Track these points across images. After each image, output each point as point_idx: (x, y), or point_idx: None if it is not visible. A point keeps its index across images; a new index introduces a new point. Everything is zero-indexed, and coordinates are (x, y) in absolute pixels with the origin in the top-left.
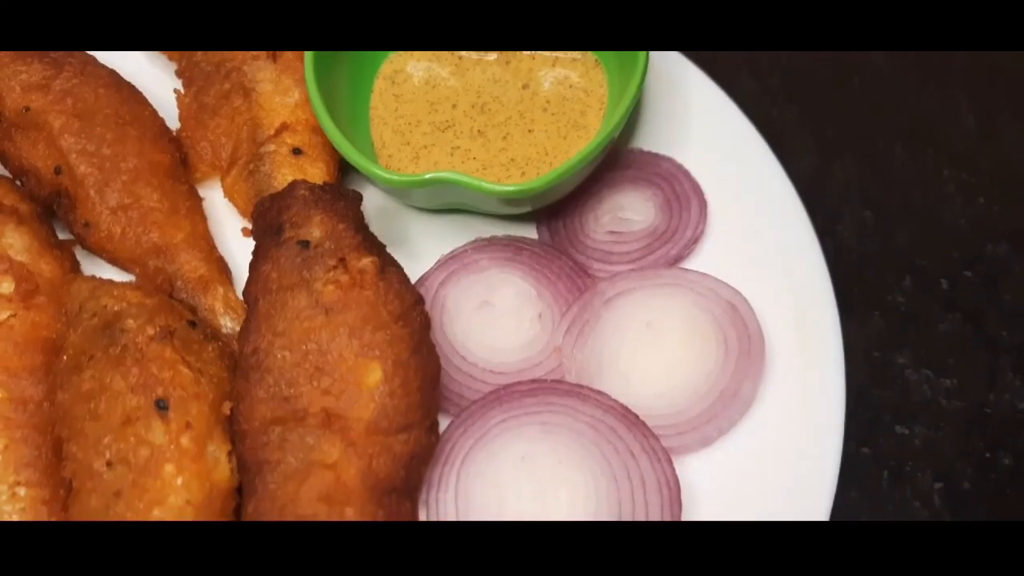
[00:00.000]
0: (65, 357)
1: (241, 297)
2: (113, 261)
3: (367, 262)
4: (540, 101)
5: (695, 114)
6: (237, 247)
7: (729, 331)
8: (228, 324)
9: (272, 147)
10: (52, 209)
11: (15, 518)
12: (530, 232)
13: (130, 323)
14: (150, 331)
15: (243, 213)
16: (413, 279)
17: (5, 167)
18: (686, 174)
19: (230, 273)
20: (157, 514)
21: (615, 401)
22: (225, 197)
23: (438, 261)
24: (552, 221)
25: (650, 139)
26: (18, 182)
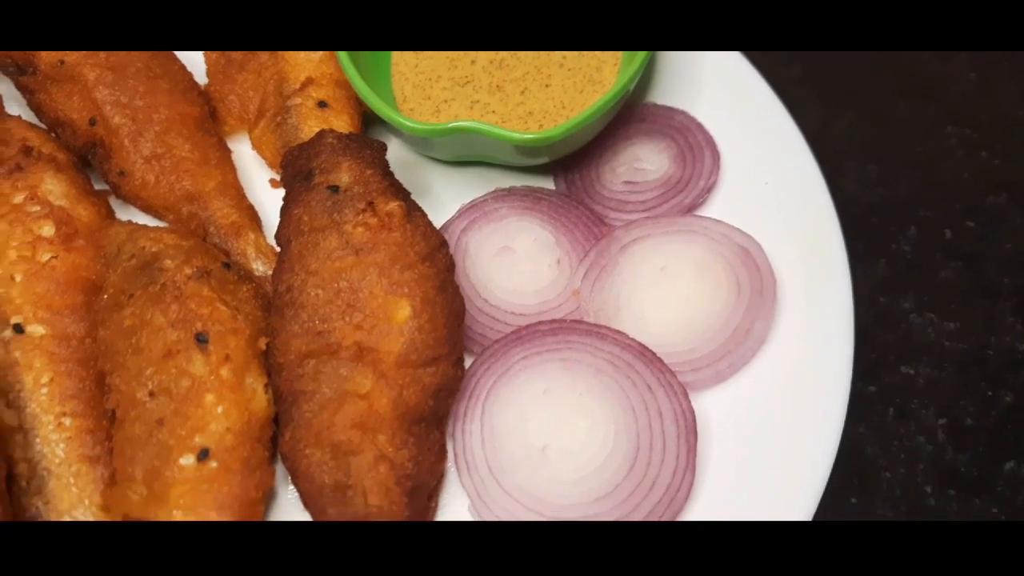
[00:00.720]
0: (105, 296)
1: (271, 243)
2: (147, 209)
3: (394, 206)
4: (556, 56)
5: (708, 69)
6: (266, 197)
7: (741, 273)
8: (260, 267)
9: (298, 100)
10: (87, 159)
11: (61, 447)
12: (547, 184)
13: (168, 263)
14: (187, 271)
15: (271, 164)
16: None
17: (41, 119)
18: (699, 126)
19: (260, 220)
20: (199, 440)
21: (633, 340)
22: (253, 149)
23: (460, 209)
24: (569, 173)
25: (664, 93)
26: (53, 134)
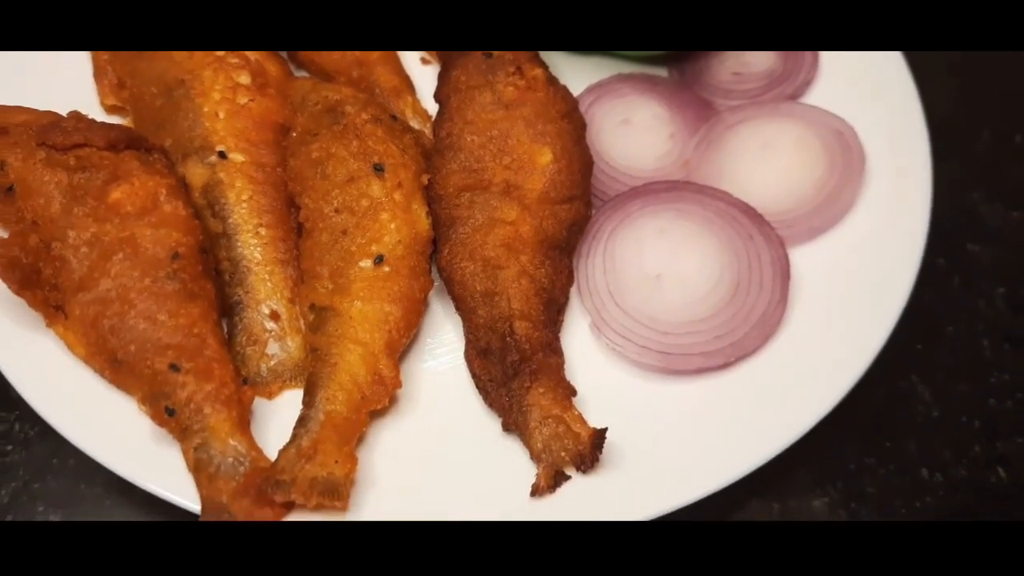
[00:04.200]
0: (294, 134)
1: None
2: (319, 72)
3: (539, 71)
4: None
5: None
6: (416, 71)
7: (835, 150)
8: (416, 125)
9: None
10: None
11: (258, 251)
12: (661, 73)
13: (348, 109)
14: (365, 116)
15: None
16: None
17: None
18: None
19: (414, 86)
20: (375, 248)
21: (736, 198)
22: None
23: (586, 88)
24: (681, 63)
25: None
26: None
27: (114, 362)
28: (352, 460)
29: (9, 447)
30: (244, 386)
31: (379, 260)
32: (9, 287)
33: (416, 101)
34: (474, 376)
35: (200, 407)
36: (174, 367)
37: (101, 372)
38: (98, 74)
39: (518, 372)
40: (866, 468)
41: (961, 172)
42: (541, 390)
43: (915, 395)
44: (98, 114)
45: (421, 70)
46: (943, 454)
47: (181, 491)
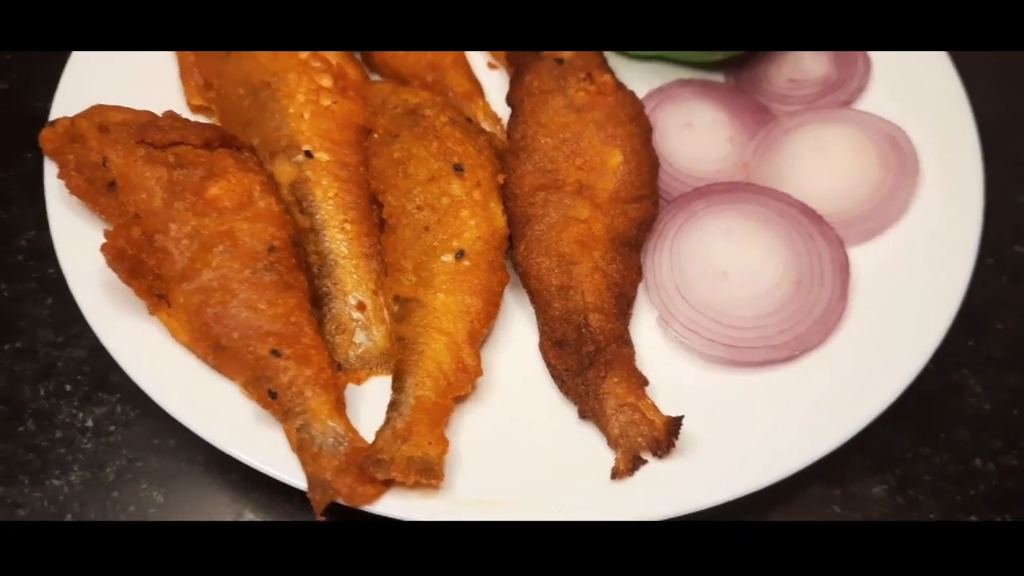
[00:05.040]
0: (376, 135)
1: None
2: (394, 76)
3: (608, 77)
4: None
5: None
6: (484, 76)
7: (889, 155)
8: (487, 127)
9: None
10: None
11: (344, 245)
12: (719, 79)
13: (428, 111)
14: (443, 118)
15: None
16: None
17: None
18: None
19: (483, 90)
20: (456, 244)
21: (796, 200)
22: None
23: (649, 92)
24: (739, 70)
25: None
26: None
27: (218, 348)
28: (444, 441)
29: (112, 427)
30: (337, 372)
31: (460, 255)
32: (119, 276)
33: (487, 104)
34: (549, 366)
35: (301, 390)
36: (275, 353)
37: (204, 357)
38: (184, 75)
39: (593, 362)
40: (921, 456)
41: (1008, 173)
42: (615, 379)
43: (966, 388)
44: (184, 113)
45: (489, 75)
46: (994, 444)
47: (283, 468)
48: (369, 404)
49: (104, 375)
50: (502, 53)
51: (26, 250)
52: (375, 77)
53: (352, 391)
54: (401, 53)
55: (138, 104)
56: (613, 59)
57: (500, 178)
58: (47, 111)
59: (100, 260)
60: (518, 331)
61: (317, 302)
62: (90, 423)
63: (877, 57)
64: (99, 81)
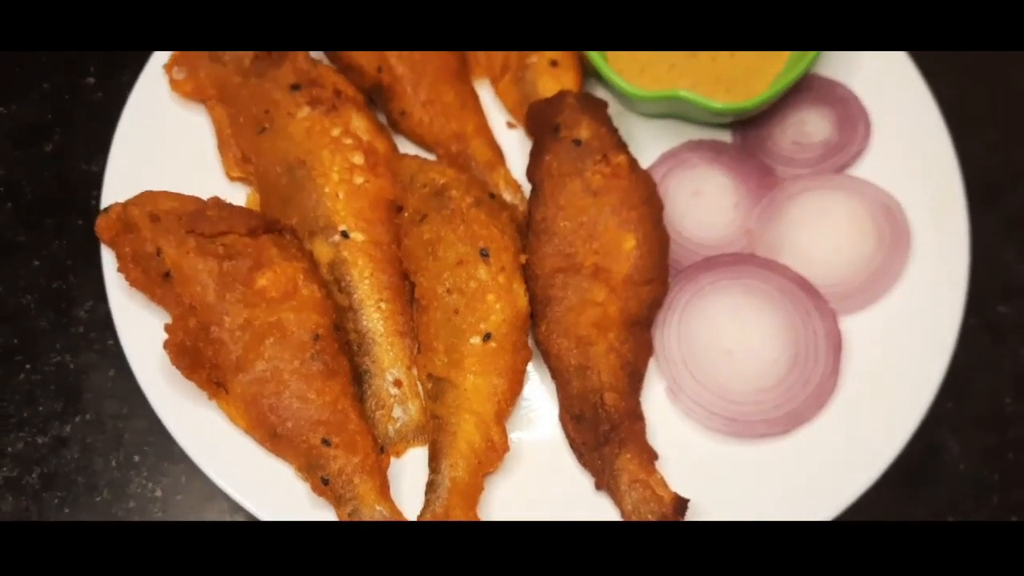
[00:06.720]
0: (406, 214)
1: (514, 175)
2: (420, 143)
3: (623, 158)
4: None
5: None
6: (503, 136)
7: (884, 227)
8: (508, 197)
9: (535, 59)
10: (370, 98)
11: (381, 324)
12: (725, 136)
13: (454, 193)
14: (468, 199)
15: (511, 111)
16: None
17: (333, 62)
18: (856, 99)
19: (504, 157)
20: (483, 327)
21: (795, 272)
22: (497, 97)
23: (661, 156)
24: (745, 129)
25: (829, 66)
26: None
27: (274, 436)
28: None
29: (179, 497)
30: (381, 455)
31: (487, 337)
32: (181, 372)
33: (507, 172)
34: (569, 438)
35: (350, 478)
36: (326, 442)
37: (262, 442)
38: (222, 147)
39: (608, 440)
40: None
41: (998, 228)
42: (628, 455)
43: (945, 448)
44: (223, 181)
45: (508, 134)
46: (966, 503)
47: None
48: (408, 474)
49: (168, 446)
50: (520, 113)
51: (86, 321)
52: (399, 137)
53: (393, 463)
54: (427, 123)
55: (182, 174)
56: (626, 116)
57: (522, 258)
58: (91, 173)
59: (159, 345)
60: (539, 403)
61: (358, 378)
62: (159, 493)
63: (876, 123)
64: (147, 146)
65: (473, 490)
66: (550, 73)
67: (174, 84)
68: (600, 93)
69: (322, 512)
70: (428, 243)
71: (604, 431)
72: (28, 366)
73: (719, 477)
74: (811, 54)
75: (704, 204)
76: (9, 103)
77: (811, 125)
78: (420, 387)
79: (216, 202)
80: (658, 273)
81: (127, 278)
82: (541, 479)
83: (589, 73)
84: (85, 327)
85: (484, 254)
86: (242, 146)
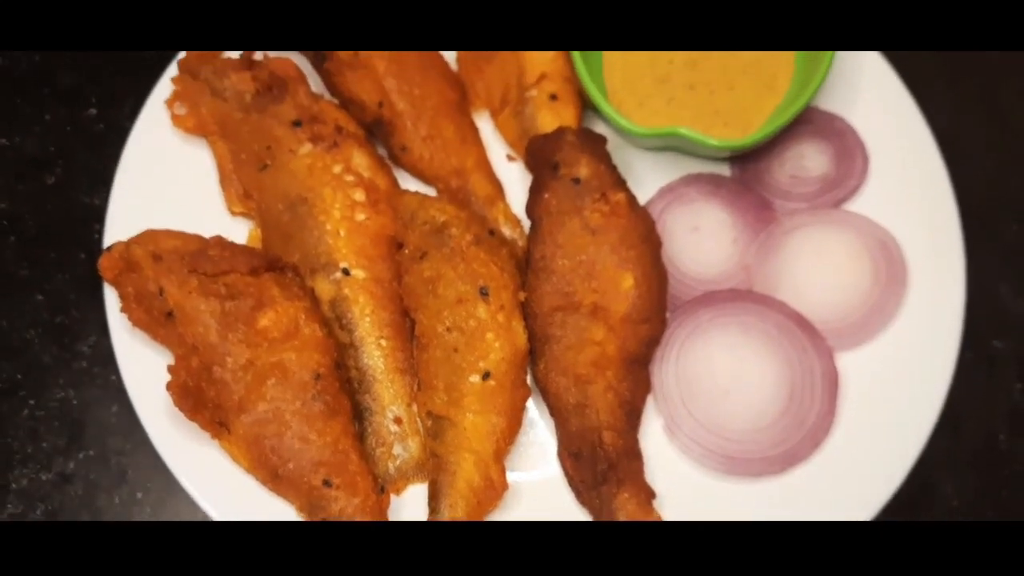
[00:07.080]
0: (406, 251)
1: (513, 210)
2: (421, 177)
3: (621, 196)
4: (740, 62)
5: (863, 81)
6: (503, 169)
7: (880, 263)
8: (507, 232)
9: (534, 92)
10: (371, 132)
11: (381, 361)
12: (724, 170)
13: (453, 231)
14: (468, 237)
15: (510, 144)
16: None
17: (334, 96)
18: (854, 132)
19: (504, 191)
20: (482, 365)
21: (792, 309)
22: (497, 130)
23: (659, 191)
24: (743, 162)
25: (827, 99)
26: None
27: (275, 476)
28: None
29: None
30: (381, 494)
31: (486, 376)
32: (184, 414)
33: (507, 207)
34: (567, 474)
35: (352, 519)
36: (327, 483)
37: (263, 483)
38: (224, 182)
39: (607, 479)
40: None
41: (994, 259)
42: (626, 495)
43: (938, 489)
44: (225, 216)
45: (507, 166)
46: None
47: None
48: (408, 513)
49: (171, 483)
50: (520, 146)
51: (89, 356)
52: (399, 170)
53: (392, 501)
54: (427, 159)
55: (183, 207)
56: (624, 149)
57: (521, 295)
58: (93, 206)
59: (161, 383)
60: (538, 437)
61: (359, 415)
62: None
63: (874, 157)
64: (149, 182)
65: None
66: (549, 107)
67: (176, 119)
68: (599, 126)
69: None
70: (428, 280)
71: (602, 470)
72: (32, 401)
73: (715, 515)
74: (810, 89)
75: (702, 239)
76: (12, 135)
77: (809, 159)
78: (420, 425)
79: (218, 241)
80: (656, 311)
81: (130, 319)
82: (540, 518)
83: (588, 106)
84: (88, 362)
85: (483, 292)
86: (244, 182)
